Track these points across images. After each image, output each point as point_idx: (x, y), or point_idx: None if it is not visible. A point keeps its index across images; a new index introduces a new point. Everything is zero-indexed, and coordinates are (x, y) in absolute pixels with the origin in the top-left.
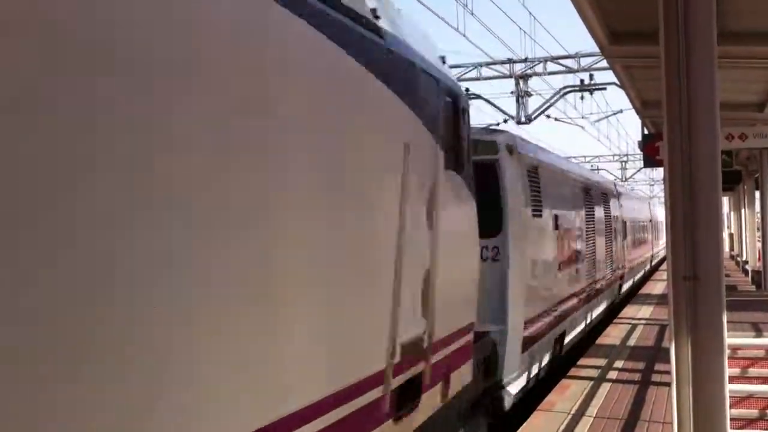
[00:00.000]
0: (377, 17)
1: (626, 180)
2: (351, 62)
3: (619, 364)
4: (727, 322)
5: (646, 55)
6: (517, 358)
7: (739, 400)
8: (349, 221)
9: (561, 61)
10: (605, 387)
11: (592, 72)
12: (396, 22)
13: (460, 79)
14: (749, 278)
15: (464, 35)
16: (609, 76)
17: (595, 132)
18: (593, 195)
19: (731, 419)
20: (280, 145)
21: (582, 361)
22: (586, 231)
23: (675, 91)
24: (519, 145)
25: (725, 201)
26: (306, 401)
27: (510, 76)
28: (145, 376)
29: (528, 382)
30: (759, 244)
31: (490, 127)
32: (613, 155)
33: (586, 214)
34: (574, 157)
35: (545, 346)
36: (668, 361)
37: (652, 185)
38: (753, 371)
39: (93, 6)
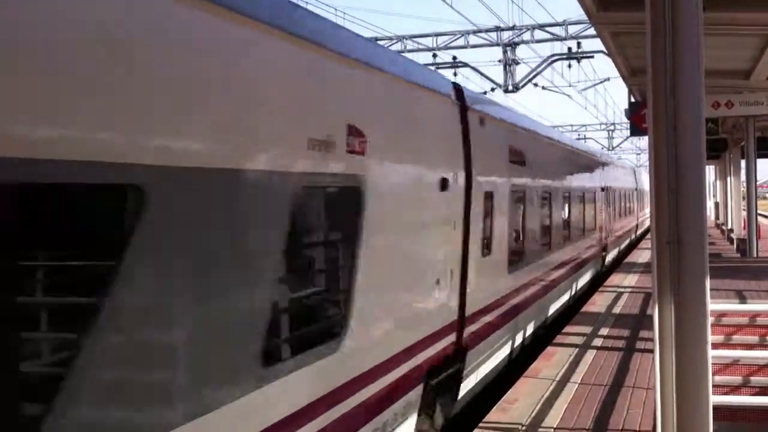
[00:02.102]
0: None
1: (613, 149)
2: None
3: (604, 331)
4: (712, 289)
5: (634, 21)
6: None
7: (723, 367)
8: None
9: (549, 28)
10: (590, 354)
11: (579, 40)
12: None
13: (447, 48)
14: (734, 246)
15: (451, 6)
16: (596, 44)
17: (582, 100)
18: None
19: (715, 386)
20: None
21: (567, 329)
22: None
23: (660, 57)
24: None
25: (711, 169)
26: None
27: (497, 44)
28: None
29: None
30: (744, 213)
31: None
32: (600, 124)
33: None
34: (561, 126)
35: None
36: (652, 328)
37: (639, 154)
38: (737, 338)
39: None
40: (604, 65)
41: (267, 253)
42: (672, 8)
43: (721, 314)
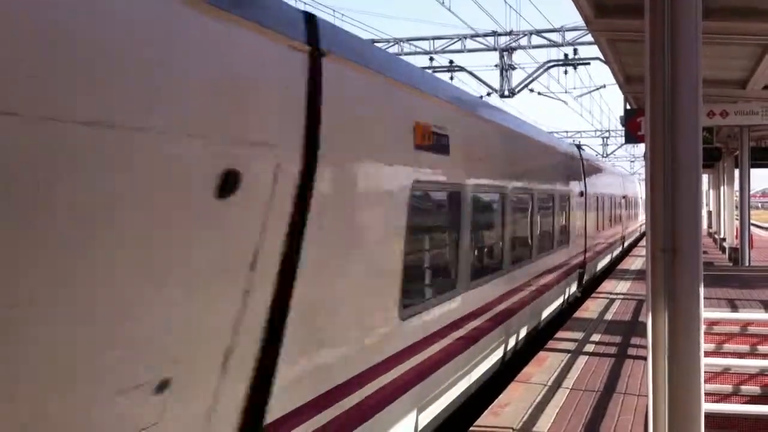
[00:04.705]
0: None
1: (607, 156)
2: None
3: (596, 337)
4: (704, 298)
5: (632, 29)
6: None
7: (714, 375)
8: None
9: (545, 34)
10: (582, 360)
11: (576, 46)
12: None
13: (444, 51)
14: (726, 255)
15: (449, 9)
16: (593, 50)
17: (577, 107)
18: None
19: (706, 394)
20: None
21: (560, 334)
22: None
23: (659, 66)
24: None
25: (705, 178)
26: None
27: (494, 49)
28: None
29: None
30: (737, 222)
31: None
32: (595, 131)
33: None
34: (556, 132)
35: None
36: (645, 335)
37: (633, 161)
38: (728, 346)
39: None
40: (600, 72)
41: None
42: (671, 16)
43: (713, 322)
